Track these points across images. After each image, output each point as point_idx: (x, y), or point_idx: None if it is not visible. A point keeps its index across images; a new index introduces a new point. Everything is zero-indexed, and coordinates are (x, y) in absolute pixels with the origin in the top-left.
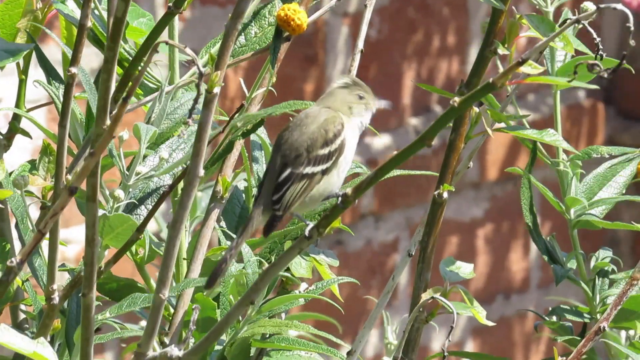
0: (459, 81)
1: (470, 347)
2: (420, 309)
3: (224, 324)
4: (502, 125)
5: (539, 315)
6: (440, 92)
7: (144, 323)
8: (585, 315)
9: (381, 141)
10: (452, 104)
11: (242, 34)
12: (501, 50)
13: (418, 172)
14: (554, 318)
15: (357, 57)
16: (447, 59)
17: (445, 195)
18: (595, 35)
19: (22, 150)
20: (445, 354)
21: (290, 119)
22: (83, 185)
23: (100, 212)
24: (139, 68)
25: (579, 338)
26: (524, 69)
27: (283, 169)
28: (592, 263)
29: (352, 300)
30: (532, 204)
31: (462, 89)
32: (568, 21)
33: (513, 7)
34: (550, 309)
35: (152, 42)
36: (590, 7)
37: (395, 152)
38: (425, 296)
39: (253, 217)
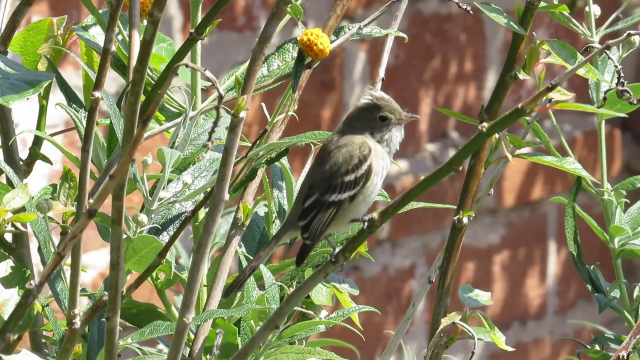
0: (476, 107)
1: None
2: (441, 334)
3: (248, 348)
4: (522, 151)
5: (581, 344)
6: (460, 117)
7: (161, 346)
8: None
9: (397, 167)
10: (480, 129)
11: (265, 64)
12: (522, 76)
13: (436, 205)
14: (597, 347)
15: (378, 85)
16: (464, 84)
17: (465, 220)
18: (616, 63)
19: (39, 176)
20: None
21: (312, 145)
22: (104, 209)
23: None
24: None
25: None
26: (553, 95)
27: (310, 194)
28: (636, 292)
29: (367, 326)
30: (577, 233)
31: (483, 115)
32: (593, 48)
33: (534, 33)
34: (592, 337)
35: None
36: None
37: (422, 177)
38: (445, 321)
39: (279, 235)
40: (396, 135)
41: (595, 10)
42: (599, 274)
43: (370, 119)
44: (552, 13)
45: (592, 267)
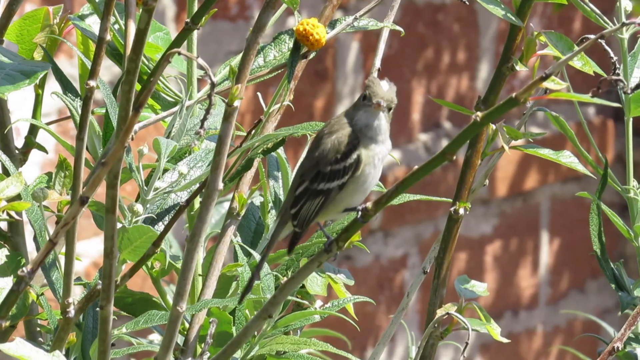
0: (468, 97)
1: None
2: (435, 325)
3: (242, 337)
4: (517, 142)
5: (604, 342)
6: (455, 107)
7: (153, 336)
8: None
9: (390, 157)
10: (474, 118)
11: (261, 54)
12: (519, 67)
13: (431, 198)
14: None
15: (375, 74)
16: (457, 75)
17: (461, 211)
18: (612, 54)
19: (33, 164)
20: None
21: (308, 135)
22: (98, 197)
23: (118, 225)
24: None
25: None
26: (547, 84)
27: (301, 182)
28: None
29: (360, 316)
30: (601, 230)
31: (480, 106)
32: (588, 40)
33: (531, 24)
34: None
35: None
36: None
37: (415, 167)
38: (441, 312)
39: (276, 231)
40: (364, 117)
41: (626, 5)
42: (623, 271)
43: (359, 101)
44: (583, 10)
45: (615, 265)
